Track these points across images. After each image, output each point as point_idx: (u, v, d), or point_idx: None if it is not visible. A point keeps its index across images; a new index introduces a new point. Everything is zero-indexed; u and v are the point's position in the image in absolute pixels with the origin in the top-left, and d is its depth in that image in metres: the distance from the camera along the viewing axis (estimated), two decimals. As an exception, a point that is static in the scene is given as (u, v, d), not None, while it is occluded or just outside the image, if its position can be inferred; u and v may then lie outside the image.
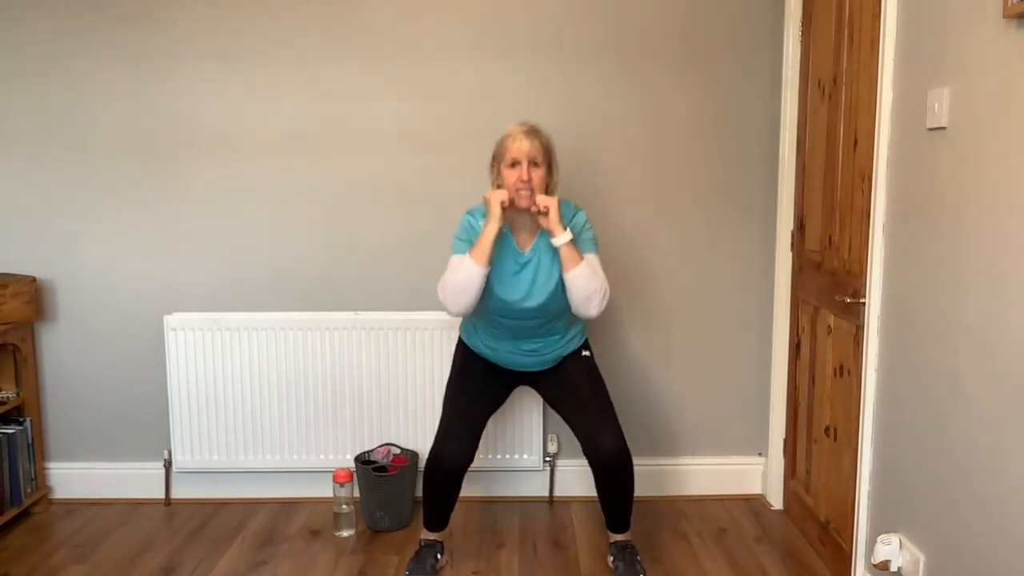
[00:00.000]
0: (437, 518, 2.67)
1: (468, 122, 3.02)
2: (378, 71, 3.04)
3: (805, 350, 2.87)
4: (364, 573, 2.67)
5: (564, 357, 2.63)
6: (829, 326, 2.64)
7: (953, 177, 1.91)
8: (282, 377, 3.11)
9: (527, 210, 2.44)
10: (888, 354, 2.24)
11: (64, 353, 3.18)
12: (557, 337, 2.59)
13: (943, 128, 1.95)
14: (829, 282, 2.64)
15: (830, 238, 2.62)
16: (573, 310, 2.47)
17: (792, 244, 2.99)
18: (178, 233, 3.12)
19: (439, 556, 2.67)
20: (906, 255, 2.13)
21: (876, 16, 2.23)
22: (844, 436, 2.54)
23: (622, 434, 2.54)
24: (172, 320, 3.09)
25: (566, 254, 2.40)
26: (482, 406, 2.63)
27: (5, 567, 2.71)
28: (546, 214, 2.39)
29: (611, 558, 2.65)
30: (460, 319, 2.74)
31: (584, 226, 2.50)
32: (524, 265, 2.48)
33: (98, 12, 3.01)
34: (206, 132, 3.07)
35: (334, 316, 3.11)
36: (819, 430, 2.74)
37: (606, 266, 3.11)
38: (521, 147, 2.40)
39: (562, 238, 2.39)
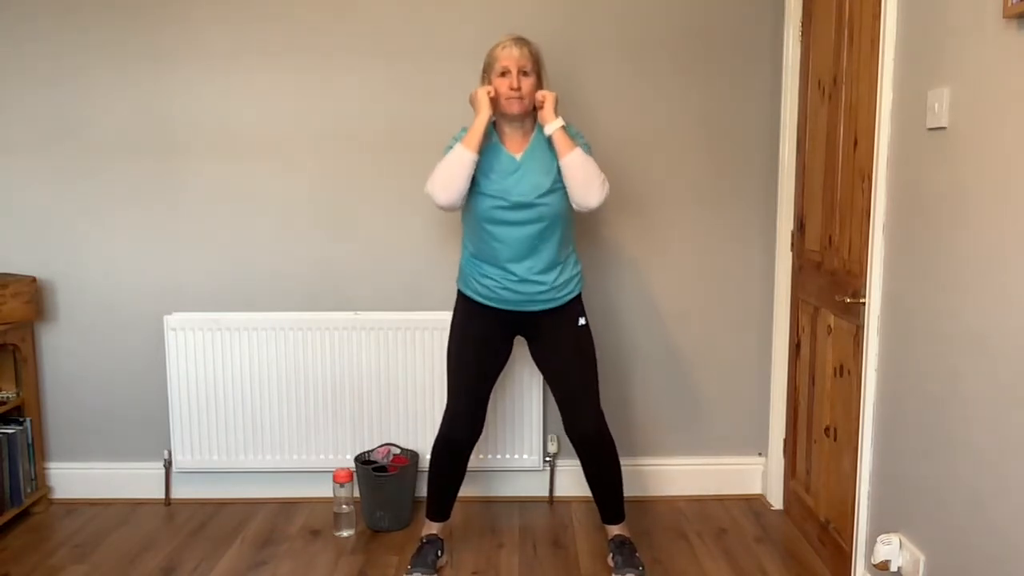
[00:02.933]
0: (442, 504, 2.68)
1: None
2: (378, 71, 3.04)
3: (805, 350, 2.88)
4: (364, 573, 2.67)
5: (562, 308, 2.58)
6: (829, 326, 2.64)
7: (953, 177, 1.91)
8: (282, 377, 3.11)
9: (518, 118, 2.48)
10: (888, 354, 2.24)
11: (64, 353, 3.18)
12: (551, 257, 2.51)
13: (943, 128, 1.95)
14: (829, 282, 2.64)
15: (830, 238, 2.62)
16: (574, 201, 2.45)
17: (792, 244, 2.99)
18: (178, 233, 3.13)
19: (439, 553, 2.67)
20: (906, 255, 2.13)
21: (876, 16, 2.23)
22: (844, 436, 2.54)
23: (602, 415, 2.59)
24: (172, 320, 3.08)
25: (559, 140, 2.43)
26: (487, 372, 2.63)
27: (5, 567, 2.71)
28: (543, 106, 2.44)
29: (610, 554, 2.66)
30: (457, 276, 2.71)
31: (575, 134, 2.52)
32: (517, 168, 2.48)
33: (98, 12, 3.01)
34: (206, 132, 3.07)
35: (334, 316, 3.11)
36: (819, 430, 2.74)
37: (605, 266, 3.13)
38: (511, 55, 2.43)
39: (554, 124, 2.43)
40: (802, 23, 2.86)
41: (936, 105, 1.96)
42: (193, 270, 3.14)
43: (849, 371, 2.49)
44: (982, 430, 1.81)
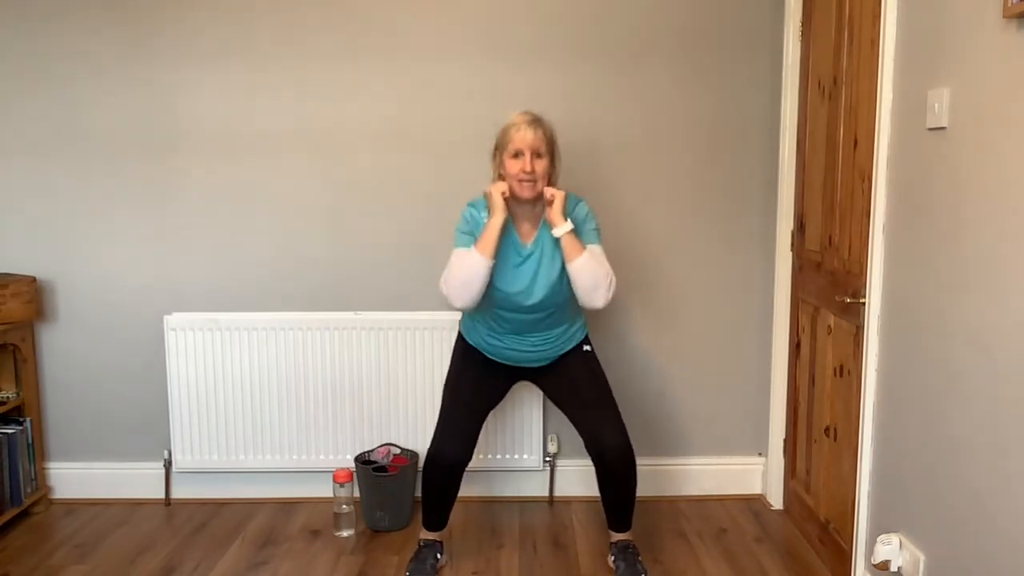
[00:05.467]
0: (436, 517, 2.67)
1: (468, 122, 3.02)
2: (378, 71, 3.04)
3: (805, 350, 2.87)
4: (364, 573, 2.67)
5: (566, 352, 2.62)
6: (829, 326, 2.64)
7: (953, 177, 1.91)
8: (282, 377, 3.10)
9: (530, 201, 2.46)
10: (888, 354, 2.24)
11: (64, 353, 3.18)
12: (560, 331, 2.58)
13: (943, 128, 1.95)
14: (829, 282, 2.64)
15: (830, 238, 2.62)
16: (580, 302, 2.48)
17: (792, 244, 2.99)
18: (178, 233, 3.12)
19: (439, 556, 2.67)
20: (906, 255, 2.13)
21: (876, 16, 2.23)
22: (844, 436, 2.54)
23: (625, 430, 2.55)
24: (172, 320, 3.08)
25: (568, 244, 2.41)
26: (481, 402, 2.63)
27: (5, 567, 2.71)
28: (551, 204, 2.42)
29: (612, 558, 2.65)
30: (459, 317, 2.75)
31: (586, 217, 2.50)
32: (526, 258, 2.48)
33: (98, 12, 3.01)
34: (206, 132, 3.07)
35: (334, 316, 3.11)
36: (819, 430, 2.74)
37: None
38: (525, 138, 2.41)
39: (562, 228, 2.40)
40: (802, 23, 2.86)
41: (936, 105, 1.96)
42: (193, 270, 3.14)
43: (849, 371, 2.49)
44: (982, 430, 1.81)
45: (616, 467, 2.55)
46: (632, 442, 2.57)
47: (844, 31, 2.49)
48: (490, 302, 2.51)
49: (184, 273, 3.14)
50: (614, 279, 2.45)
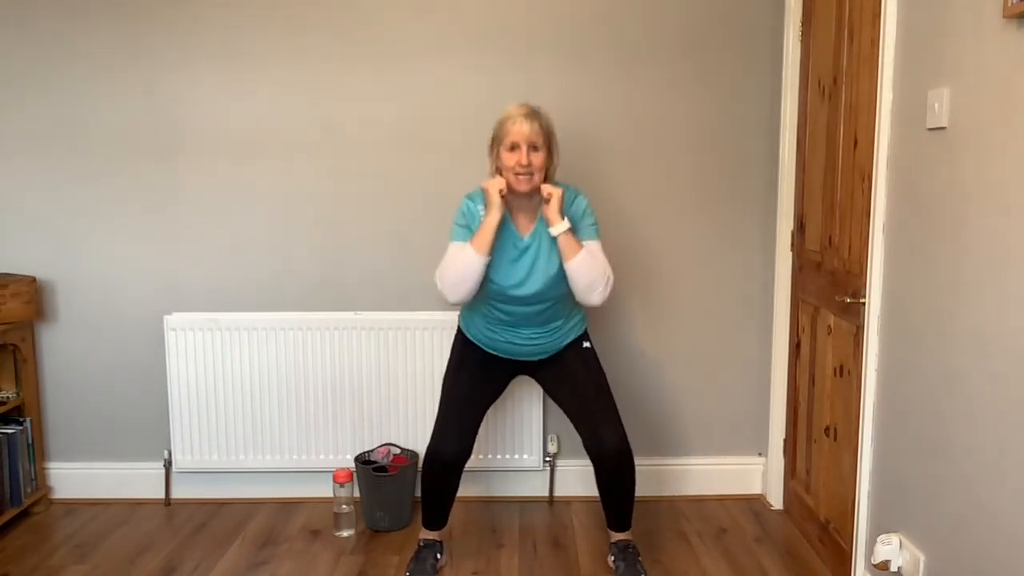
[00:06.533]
0: (436, 516, 2.67)
1: (467, 122, 3.02)
2: (378, 71, 3.04)
3: (805, 350, 2.88)
4: (364, 573, 2.67)
5: (564, 347, 2.61)
6: (829, 326, 2.64)
7: (953, 177, 1.91)
8: (282, 377, 3.10)
9: (526, 194, 2.44)
10: (888, 354, 2.24)
11: (64, 353, 3.18)
12: (558, 324, 2.56)
13: (943, 128, 1.95)
14: (829, 282, 2.64)
15: (830, 238, 2.62)
16: (577, 299, 2.47)
17: (792, 244, 2.99)
18: (178, 233, 3.13)
19: (439, 556, 2.67)
20: (906, 255, 2.13)
21: (876, 16, 2.23)
22: (844, 436, 2.54)
23: (623, 429, 2.54)
24: (172, 320, 3.08)
25: (564, 243, 2.39)
26: (480, 398, 2.62)
27: (5, 567, 2.72)
28: (548, 202, 2.39)
29: (612, 558, 2.65)
30: (458, 311, 2.74)
31: (585, 211, 2.48)
32: (524, 251, 2.46)
33: (98, 13, 3.01)
34: (206, 132, 3.07)
35: (334, 316, 3.11)
36: (819, 430, 2.75)
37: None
38: (521, 130, 2.38)
39: (559, 227, 2.38)
40: (802, 23, 2.86)
41: (936, 105, 1.96)
42: (193, 270, 3.14)
43: (849, 371, 2.49)
44: (982, 430, 1.81)
45: (614, 468, 2.54)
46: (632, 442, 2.57)
47: (844, 31, 2.49)
48: (486, 295, 2.50)
49: (184, 273, 3.14)
50: (612, 277, 2.44)
